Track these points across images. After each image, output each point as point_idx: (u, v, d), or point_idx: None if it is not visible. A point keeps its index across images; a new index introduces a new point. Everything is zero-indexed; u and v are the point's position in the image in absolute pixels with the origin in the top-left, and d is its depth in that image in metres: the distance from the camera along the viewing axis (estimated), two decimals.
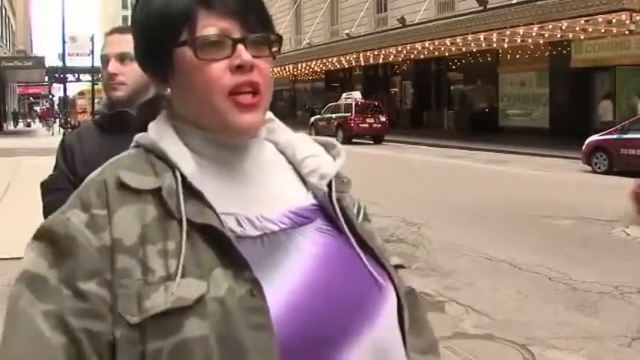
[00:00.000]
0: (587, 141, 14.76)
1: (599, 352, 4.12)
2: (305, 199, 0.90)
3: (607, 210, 9.13)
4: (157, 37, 0.83)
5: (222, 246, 0.76)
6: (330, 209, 0.89)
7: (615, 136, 14.14)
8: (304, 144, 0.95)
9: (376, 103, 25.81)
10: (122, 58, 2.03)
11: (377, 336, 0.80)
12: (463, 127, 26.27)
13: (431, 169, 15.70)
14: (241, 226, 0.81)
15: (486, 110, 26.86)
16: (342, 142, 24.66)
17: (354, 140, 24.80)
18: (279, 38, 0.87)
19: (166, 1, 0.82)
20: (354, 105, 25.05)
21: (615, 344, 4.24)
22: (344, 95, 27.17)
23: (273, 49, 0.86)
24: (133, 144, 0.87)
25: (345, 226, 0.87)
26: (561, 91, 22.81)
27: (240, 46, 0.81)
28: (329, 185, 0.90)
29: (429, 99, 31.98)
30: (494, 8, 20.76)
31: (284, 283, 0.77)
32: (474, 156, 18.59)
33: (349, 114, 24.86)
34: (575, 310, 4.95)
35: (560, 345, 4.22)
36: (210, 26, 0.81)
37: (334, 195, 0.89)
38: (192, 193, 0.78)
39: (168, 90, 0.86)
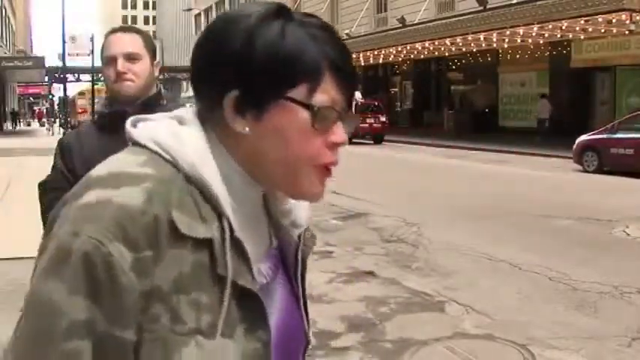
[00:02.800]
0: (578, 140, 14.99)
1: (599, 352, 4.12)
2: (270, 240, 0.87)
3: (607, 210, 9.13)
4: (266, 79, 0.75)
5: (253, 306, 0.75)
6: (290, 260, 0.89)
7: (605, 136, 14.37)
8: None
9: (376, 103, 25.80)
10: (130, 57, 2.03)
11: None
12: (463, 127, 26.27)
13: (431, 169, 15.69)
14: (254, 278, 0.79)
15: (486, 110, 26.87)
16: None
17: (354, 140, 24.79)
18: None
19: (301, 49, 0.74)
20: (354, 105, 24.99)
21: (615, 344, 4.24)
22: None
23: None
24: (166, 156, 0.75)
25: (299, 286, 0.90)
26: (561, 91, 22.81)
27: (340, 124, 0.78)
28: (299, 236, 0.90)
29: (429, 99, 31.98)
30: (494, 8, 20.75)
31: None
32: (474, 156, 18.59)
33: None
34: (575, 310, 4.95)
35: (560, 345, 4.22)
36: (326, 94, 0.75)
37: (300, 250, 0.89)
38: (236, 247, 0.74)
39: (247, 129, 0.76)
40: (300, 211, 0.89)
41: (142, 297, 0.68)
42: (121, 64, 2.01)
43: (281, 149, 0.76)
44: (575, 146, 14.93)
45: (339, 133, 0.77)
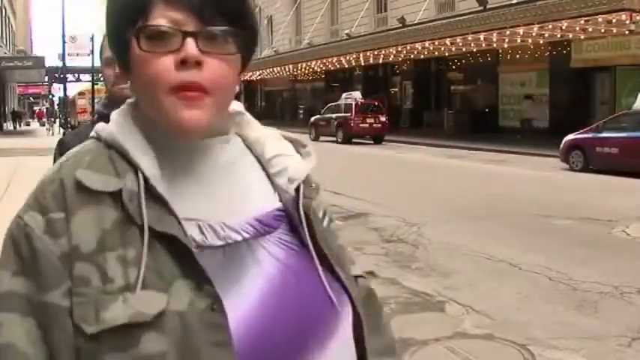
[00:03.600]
0: (565, 140, 15.31)
1: (599, 352, 4.12)
2: (271, 202, 0.86)
3: (607, 210, 9.13)
4: (116, 25, 0.79)
5: (183, 256, 0.73)
6: (295, 217, 0.85)
7: (590, 135, 14.69)
8: (274, 141, 0.90)
9: (376, 103, 25.80)
10: None
11: (329, 356, 0.79)
12: (463, 127, 26.27)
13: (431, 169, 15.69)
14: (203, 234, 0.78)
15: (486, 110, 26.87)
16: (342, 142, 24.73)
17: (354, 140, 24.80)
18: (248, 33, 0.80)
19: None
20: (354, 105, 25.05)
21: (615, 344, 4.24)
22: (344, 95, 27.15)
23: (245, 46, 0.80)
24: (92, 133, 0.82)
25: (308, 239, 0.84)
26: (561, 91, 22.81)
27: (189, 40, 0.74)
28: (297, 190, 0.87)
29: (429, 99, 31.96)
30: (494, 8, 20.74)
31: (240, 300, 0.75)
32: (474, 156, 18.59)
33: (349, 114, 24.85)
34: (575, 310, 4.95)
35: (560, 345, 4.22)
36: (161, 17, 0.75)
37: (301, 202, 0.86)
38: (154, 197, 0.75)
39: (128, 82, 0.80)
40: (297, 167, 0.88)
41: (63, 259, 0.71)
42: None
43: (141, 85, 0.77)
44: (562, 145, 15.27)
45: (185, 49, 0.74)
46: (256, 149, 0.89)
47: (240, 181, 0.85)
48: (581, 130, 15.16)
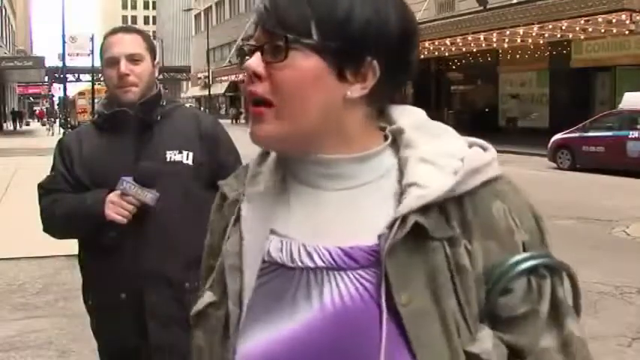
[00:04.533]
0: (552, 139, 15.67)
1: (599, 352, 4.11)
2: (373, 237, 0.75)
3: (607, 210, 9.13)
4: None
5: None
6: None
7: (577, 135, 15.02)
8: (423, 165, 0.77)
9: None
10: (133, 58, 2.00)
11: None
12: (463, 127, 26.21)
13: None
14: (281, 251, 0.77)
15: (486, 110, 26.87)
16: None
17: None
18: (292, 38, 0.74)
19: None
20: None
21: (615, 344, 4.23)
22: None
23: (293, 50, 0.75)
24: None
25: (381, 289, 0.72)
26: (561, 90, 22.81)
27: (255, 55, 0.77)
28: (390, 227, 0.73)
29: (429, 99, 31.94)
30: (494, 8, 20.76)
31: (259, 334, 0.75)
32: None
33: None
34: None
35: None
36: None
37: (387, 243, 0.72)
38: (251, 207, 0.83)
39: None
40: (410, 193, 0.74)
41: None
42: (124, 66, 1.98)
43: None
44: (549, 144, 15.58)
45: (247, 64, 0.78)
46: (403, 173, 0.78)
47: (353, 205, 0.78)
48: (568, 130, 15.43)
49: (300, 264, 0.76)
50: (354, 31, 0.75)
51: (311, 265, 0.75)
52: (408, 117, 0.83)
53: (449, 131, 0.86)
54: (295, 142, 0.77)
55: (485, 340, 0.73)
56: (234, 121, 46.04)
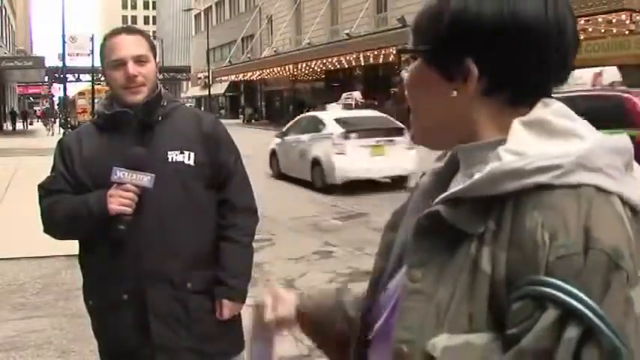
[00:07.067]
0: None
1: None
2: None
3: None
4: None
5: None
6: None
7: None
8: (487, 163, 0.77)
9: (376, 103, 25.80)
10: (139, 59, 1.99)
11: None
12: None
13: None
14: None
15: None
16: None
17: None
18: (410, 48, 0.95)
19: None
20: (354, 105, 25.04)
21: None
22: (344, 95, 27.14)
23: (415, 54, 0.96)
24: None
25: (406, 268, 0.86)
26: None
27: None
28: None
29: None
30: None
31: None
32: None
33: None
34: None
35: None
36: None
37: (410, 236, 0.85)
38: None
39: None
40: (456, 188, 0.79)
41: None
42: (132, 68, 1.97)
43: None
44: None
45: None
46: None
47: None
48: None
49: None
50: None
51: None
52: (536, 111, 0.81)
53: (567, 132, 0.78)
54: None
55: (444, 340, 0.72)
56: (246, 122, 45.74)
